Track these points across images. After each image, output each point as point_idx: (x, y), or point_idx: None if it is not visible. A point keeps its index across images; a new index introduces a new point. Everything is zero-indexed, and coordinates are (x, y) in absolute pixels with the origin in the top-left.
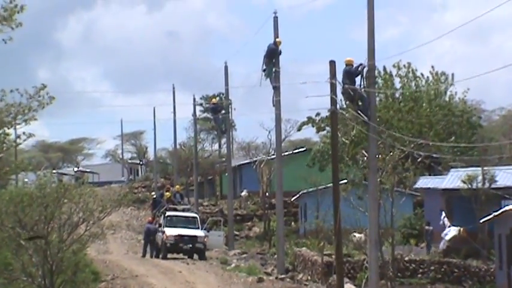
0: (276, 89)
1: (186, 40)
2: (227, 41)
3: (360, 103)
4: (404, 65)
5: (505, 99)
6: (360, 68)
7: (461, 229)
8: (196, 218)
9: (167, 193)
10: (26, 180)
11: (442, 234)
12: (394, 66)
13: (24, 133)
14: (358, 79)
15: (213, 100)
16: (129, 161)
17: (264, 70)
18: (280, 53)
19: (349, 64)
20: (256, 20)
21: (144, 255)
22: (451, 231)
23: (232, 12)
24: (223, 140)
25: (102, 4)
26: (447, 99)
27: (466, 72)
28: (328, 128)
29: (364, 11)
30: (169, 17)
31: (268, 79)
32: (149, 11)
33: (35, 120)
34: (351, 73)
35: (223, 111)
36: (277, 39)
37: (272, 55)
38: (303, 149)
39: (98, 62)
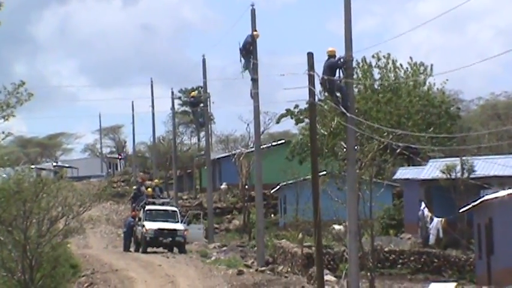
0: (254, 81)
1: (163, 34)
2: (204, 34)
3: (338, 94)
4: (384, 56)
5: (483, 89)
6: (342, 60)
7: (443, 220)
8: (176, 211)
9: (148, 189)
10: (4, 175)
11: (430, 227)
12: (373, 56)
13: (3, 132)
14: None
15: (192, 93)
16: (108, 155)
17: (242, 62)
18: (253, 44)
19: (331, 55)
20: (233, 13)
21: (125, 250)
22: (436, 223)
23: (208, 5)
24: (202, 134)
25: None
26: (426, 89)
27: (443, 62)
28: (307, 120)
29: (340, 2)
30: (144, 11)
31: (247, 71)
32: (124, 5)
33: (13, 117)
34: (333, 66)
35: (201, 105)
36: (254, 33)
37: (248, 48)
38: (282, 142)
39: (74, 56)
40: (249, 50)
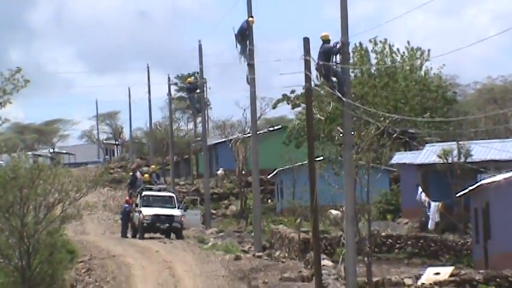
0: (251, 66)
1: (158, 20)
2: (200, 20)
3: (334, 79)
4: (380, 41)
5: (479, 73)
6: (338, 46)
7: (440, 204)
8: (173, 197)
9: (145, 175)
10: (0, 162)
11: (429, 212)
12: (370, 41)
13: (0, 118)
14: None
15: (188, 79)
16: (105, 142)
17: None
18: (248, 30)
19: (325, 40)
20: None
21: (123, 236)
22: (433, 208)
23: None
24: (199, 119)
25: None
26: (422, 74)
27: (439, 46)
28: (303, 105)
29: None
30: None
31: (243, 57)
32: None
33: (9, 104)
34: (329, 51)
35: (198, 91)
36: (250, 19)
37: (244, 34)
38: (278, 127)
39: (70, 43)
40: (244, 36)
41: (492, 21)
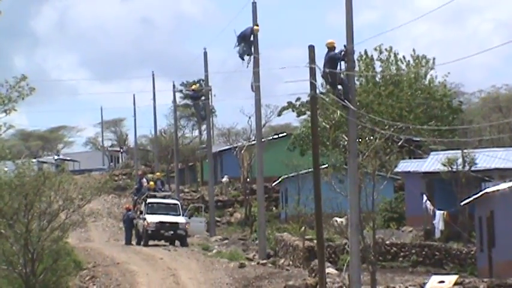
0: (256, 74)
1: (163, 27)
2: (205, 27)
3: (340, 87)
4: (386, 49)
5: (484, 82)
6: (343, 53)
7: (445, 213)
8: (178, 204)
9: (151, 183)
10: (5, 169)
11: (435, 221)
12: (375, 49)
13: (4, 124)
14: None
15: (193, 87)
16: (109, 149)
17: (240, 55)
18: (254, 38)
19: (331, 47)
20: (233, 5)
21: (127, 243)
22: (439, 216)
23: None
24: (204, 127)
25: None
26: (427, 82)
27: (443, 54)
28: (308, 113)
29: None
30: (144, 4)
31: (247, 61)
32: None
33: (14, 111)
34: (334, 58)
35: (203, 98)
36: (255, 27)
37: (246, 39)
38: (283, 134)
39: (74, 50)
40: (244, 39)
41: (496, 29)
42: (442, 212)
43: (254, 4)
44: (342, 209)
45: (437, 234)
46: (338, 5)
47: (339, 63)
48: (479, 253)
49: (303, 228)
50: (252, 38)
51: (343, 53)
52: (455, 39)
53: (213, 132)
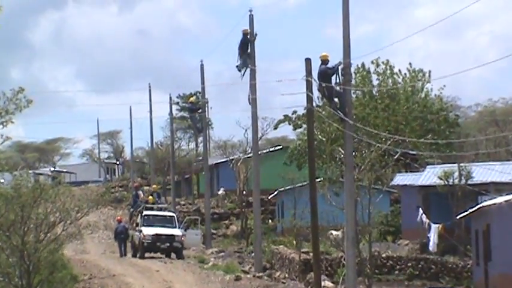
0: (252, 86)
1: (160, 39)
2: (201, 39)
3: (336, 100)
4: (382, 62)
5: (480, 96)
6: (336, 67)
7: (440, 226)
8: (174, 216)
9: (150, 197)
10: (1, 180)
11: (429, 235)
12: (372, 62)
13: (1, 136)
14: (334, 77)
15: (190, 99)
16: (106, 161)
17: (237, 66)
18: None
19: (324, 60)
20: (229, 18)
21: (121, 255)
22: (433, 230)
23: (204, 10)
24: (200, 139)
25: (73, 5)
26: (423, 95)
27: (439, 68)
28: (305, 125)
29: (337, 8)
30: (141, 17)
31: (243, 72)
32: (121, 11)
33: (11, 123)
34: (327, 73)
35: (199, 110)
36: (252, 38)
37: (246, 45)
38: (279, 147)
39: (71, 62)
40: (245, 48)
41: (492, 43)
42: (437, 225)
43: (251, 16)
44: (338, 222)
45: (431, 248)
46: (336, 17)
47: (335, 77)
48: (475, 267)
49: (299, 241)
50: (248, 47)
51: (335, 68)
52: (452, 52)
53: (210, 145)
